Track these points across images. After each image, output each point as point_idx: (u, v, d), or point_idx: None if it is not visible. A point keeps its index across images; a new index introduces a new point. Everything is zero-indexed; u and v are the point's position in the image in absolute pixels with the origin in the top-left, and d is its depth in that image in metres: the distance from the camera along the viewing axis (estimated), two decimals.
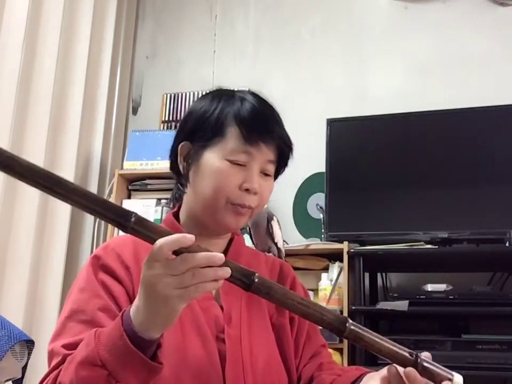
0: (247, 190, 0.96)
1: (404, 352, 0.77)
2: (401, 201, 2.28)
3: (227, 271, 0.72)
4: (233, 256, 1.02)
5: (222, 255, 0.72)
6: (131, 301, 0.90)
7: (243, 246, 1.10)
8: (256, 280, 0.74)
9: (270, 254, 1.48)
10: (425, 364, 0.76)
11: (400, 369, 0.76)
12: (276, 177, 1.04)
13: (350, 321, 0.77)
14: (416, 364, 0.76)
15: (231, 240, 1.07)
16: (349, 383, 0.91)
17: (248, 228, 1.58)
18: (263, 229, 1.56)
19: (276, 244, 1.59)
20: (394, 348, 0.77)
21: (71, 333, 0.86)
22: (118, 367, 0.75)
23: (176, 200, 1.09)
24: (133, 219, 0.72)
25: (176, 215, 1.05)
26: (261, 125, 0.98)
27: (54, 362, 0.85)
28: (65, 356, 0.82)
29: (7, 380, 1.49)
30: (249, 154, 0.96)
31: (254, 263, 1.06)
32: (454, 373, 0.77)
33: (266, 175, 0.99)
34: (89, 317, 0.87)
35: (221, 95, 1.02)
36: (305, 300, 0.76)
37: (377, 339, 0.77)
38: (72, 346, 0.83)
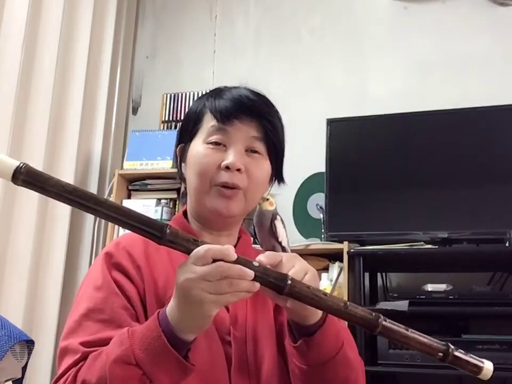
0: (227, 168, 0.94)
1: (435, 342, 0.79)
2: (401, 201, 2.28)
3: (257, 286, 0.75)
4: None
5: (252, 272, 0.75)
6: (142, 300, 0.90)
7: (250, 246, 1.10)
8: (289, 282, 0.77)
9: None
10: (456, 353, 0.79)
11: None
12: (278, 159, 1.03)
13: (382, 317, 0.78)
14: (447, 353, 0.79)
15: (238, 240, 1.07)
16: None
17: (252, 226, 1.58)
18: (266, 228, 1.56)
19: (280, 243, 1.59)
20: (425, 340, 0.79)
21: (88, 331, 0.86)
22: (154, 366, 0.76)
23: (185, 202, 1.09)
24: (167, 231, 0.75)
25: (185, 214, 1.06)
26: (234, 102, 0.97)
27: (70, 360, 0.83)
28: (85, 353, 0.82)
29: (7, 380, 1.49)
30: (225, 132, 0.96)
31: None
32: (484, 360, 0.80)
33: (254, 152, 0.98)
34: (108, 316, 0.87)
35: (208, 93, 1.03)
36: (339, 299, 0.79)
37: (408, 333, 0.78)
38: (91, 344, 0.83)
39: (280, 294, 0.78)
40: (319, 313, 0.84)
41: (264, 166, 1.00)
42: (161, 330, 0.76)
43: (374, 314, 0.78)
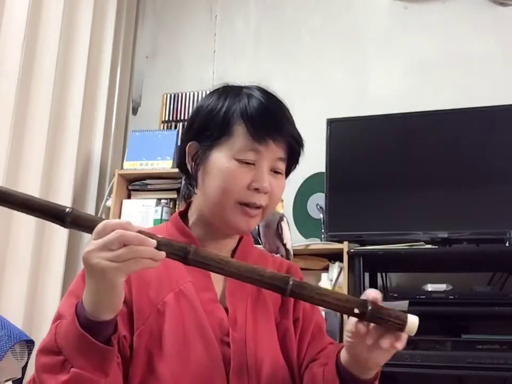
0: (256, 189, 0.94)
1: (352, 303, 0.78)
2: (401, 201, 2.28)
3: (162, 254, 0.75)
4: (240, 256, 1.01)
5: (155, 241, 0.75)
6: (126, 303, 0.89)
7: (251, 246, 1.08)
8: (191, 249, 0.76)
9: (278, 255, 1.46)
10: (374, 313, 0.77)
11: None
12: (287, 175, 1.02)
13: (292, 278, 0.79)
14: (364, 316, 0.77)
15: (240, 240, 1.06)
16: (333, 367, 0.90)
17: (257, 226, 1.56)
18: (272, 229, 1.56)
19: (284, 245, 1.58)
20: (340, 295, 0.79)
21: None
22: (72, 352, 0.75)
23: (185, 199, 1.07)
24: (69, 216, 0.76)
25: (183, 215, 1.04)
26: (269, 121, 0.95)
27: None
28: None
29: (7, 380, 1.49)
30: (258, 152, 0.94)
31: (260, 264, 1.04)
32: (409, 315, 0.78)
33: (276, 172, 0.97)
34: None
35: (228, 92, 0.99)
36: (245, 263, 0.79)
37: (322, 290, 0.78)
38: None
39: (184, 263, 0.77)
40: (376, 369, 0.86)
41: (283, 185, 1.00)
42: (75, 313, 0.76)
43: (284, 275, 0.79)
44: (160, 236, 0.76)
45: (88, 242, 0.75)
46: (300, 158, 1.02)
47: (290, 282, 0.77)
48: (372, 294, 0.79)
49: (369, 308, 0.77)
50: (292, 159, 1.00)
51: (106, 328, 0.77)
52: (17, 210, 0.78)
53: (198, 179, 0.98)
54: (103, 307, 0.75)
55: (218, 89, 1.02)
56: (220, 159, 0.94)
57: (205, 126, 0.97)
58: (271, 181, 0.96)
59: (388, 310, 0.77)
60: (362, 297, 0.80)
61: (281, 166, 0.98)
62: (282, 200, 1.22)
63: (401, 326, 0.77)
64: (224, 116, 0.95)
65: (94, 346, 0.75)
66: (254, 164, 0.94)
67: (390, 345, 0.78)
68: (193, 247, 0.77)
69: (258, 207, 0.95)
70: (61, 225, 0.77)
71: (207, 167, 0.96)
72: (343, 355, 0.87)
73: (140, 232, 0.74)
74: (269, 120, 0.95)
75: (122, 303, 0.77)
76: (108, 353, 0.77)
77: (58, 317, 0.87)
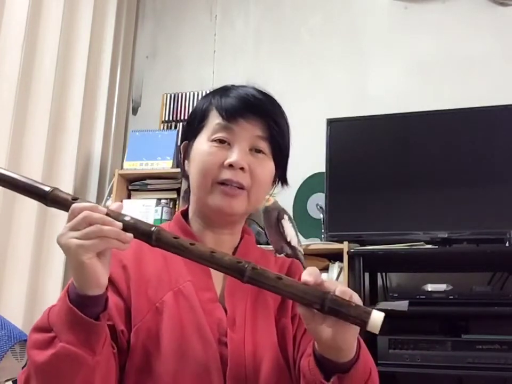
0: (230, 166, 0.94)
1: (311, 297, 0.73)
2: (401, 201, 2.28)
3: (129, 236, 0.76)
4: (241, 255, 1.01)
5: (120, 223, 0.76)
6: (124, 298, 0.90)
7: (253, 246, 1.08)
8: (155, 230, 0.77)
9: (282, 255, 1.44)
10: (333, 308, 0.72)
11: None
12: (277, 157, 1.01)
13: (251, 263, 0.77)
14: (322, 308, 0.73)
15: (241, 240, 1.06)
16: (313, 356, 0.86)
17: (257, 232, 1.54)
18: (274, 228, 1.52)
19: (289, 243, 1.53)
20: (299, 285, 0.75)
21: None
22: (61, 326, 0.76)
23: (186, 199, 1.08)
24: (248, 267, 0.76)
25: (184, 213, 1.06)
26: (240, 101, 0.97)
27: None
28: None
29: (7, 380, 1.49)
30: (230, 130, 0.96)
31: (262, 263, 1.03)
32: (374, 311, 0.71)
33: (258, 151, 0.98)
34: None
35: (215, 91, 1.03)
36: (206, 247, 0.79)
37: (283, 280, 0.76)
38: None
39: (150, 244, 0.78)
40: (353, 349, 0.79)
41: (268, 166, 1.00)
42: (66, 290, 0.78)
43: (243, 261, 0.77)
44: (128, 217, 0.78)
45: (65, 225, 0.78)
46: (288, 138, 1.02)
47: (248, 269, 0.76)
48: (332, 286, 0.75)
49: (327, 302, 0.72)
50: (273, 139, 0.99)
51: (94, 303, 0.77)
52: (5, 187, 0.82)
53: (187, 172, 1.02)
54: (84, 283, 0.76)
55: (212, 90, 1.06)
56: (198, 145, 0.99)
57: (190, 123, 1.04)
58: (250, 160, 0.96)
59: (348, 306, 0.72)
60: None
61: (263, 145, 0.98)
62: (274, 196, 1.20)
63: (362, 323, 0.71)
64: (203, 109, 1.01)
65: (81, 320, 0.75)
66: (229, 144, 0.96)
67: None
68: (156, 230, 0.78)
69: (239, 187, 0.95)
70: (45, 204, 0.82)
71: (190, 157, 1.01)
72: (315, 342, 0.83)
73: (107, 214, 0.77)
74: (240, 100, 0.98)
75: (103, 281, 0.77)
76: (95, 328, 0.77)
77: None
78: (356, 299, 0.75)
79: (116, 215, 0.78)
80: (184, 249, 0.77)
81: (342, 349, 0.77)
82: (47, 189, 0.81)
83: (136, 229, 0.78)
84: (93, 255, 0.75)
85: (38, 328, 0.79)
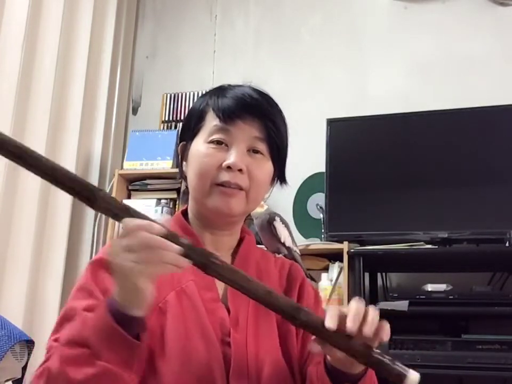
0: (228, 167, 0.94)
1: (357, 350, 0.74)
2: (401, 201, 2.28)
3: (186, 262, 0.74)
4: (242, 256, 1.01)
5: (176, 246, 0.73)
6: None
7: (253, 247, 1.08)
8: (214, 260, 0.76)
9: (280, 256, 1.45)
10: (378, 356, 0.74)
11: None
12: (275, 158, 1.01)
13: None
14: (366, 364, 0.75)
15: (241, 240, 1.05)
16: (323, 365, 0.87)
17: (256, 233, 1.54)
18: (267, 231, 1.53)
19: (283, 244, 1.55)
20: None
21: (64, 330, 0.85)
22: (100, 344, 0.75)
23: (185, 200, 1.08)
24: (101, 195, 0.74)
25: (184, 213, 1.06)
26: (237, 102, 0.97)
27: (45, 357, 0.83)
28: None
29: (7, 380, 1.49)
30: (227, 131, 0.96)
31: (263, 264, 1.04)
32: (410, 370, 0.74)
33: (256, 152, 0.97)
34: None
35: (212, 91, 1.03)
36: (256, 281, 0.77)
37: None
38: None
39: (204, 272, 0.76)
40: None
41: (266, 167, 0.99)
42: (106, 305, 0.76)
43: (298, 305, 0.79)
44: (186, 241, 0.75)
45: (116, 240, 0.75)
46: (286, 138, 1.02)
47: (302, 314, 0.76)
48: (368, 331, 0.74)
49: (372, 359, 0.74)
50: (271, 139, 0.98)
51: (136, 324, 0.77)
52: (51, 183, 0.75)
53: (185, 174, 1.02)
54: (131, 304, 0.75)
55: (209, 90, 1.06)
56: (196, 147, 0.98)
57: (187, 124, 1.03)
58: (248, 161, 0.96)
59: (388, 367, 0.74)
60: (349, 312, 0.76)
61: (261, 146, 0.98)
62: (265, 201, 1.20)
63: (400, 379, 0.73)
64: (200, 109, 1.00)
65: (125, 340, 0.75)
66: (227, 145, 0.96)
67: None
68: (215, 257, 0.76)
69: (237, 188, 0.95)
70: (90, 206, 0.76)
71: (188, 159, 1.00)
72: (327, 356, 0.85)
73: (166, 234, 0.73)
74: (237, 100, 0.97)
75: (151, 301, 0.76)
76: (137, 348, 0.77)
77: (71, 310, 0.86)
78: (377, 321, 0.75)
79: (173, 236, 0.74)
80: (240, 287, 0.76)
81: (354, 363, 0.79)
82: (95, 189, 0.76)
83: (195, 252, 0.75)
84: (148, 280, 0.74)
85: (71, 342, 0.77)
